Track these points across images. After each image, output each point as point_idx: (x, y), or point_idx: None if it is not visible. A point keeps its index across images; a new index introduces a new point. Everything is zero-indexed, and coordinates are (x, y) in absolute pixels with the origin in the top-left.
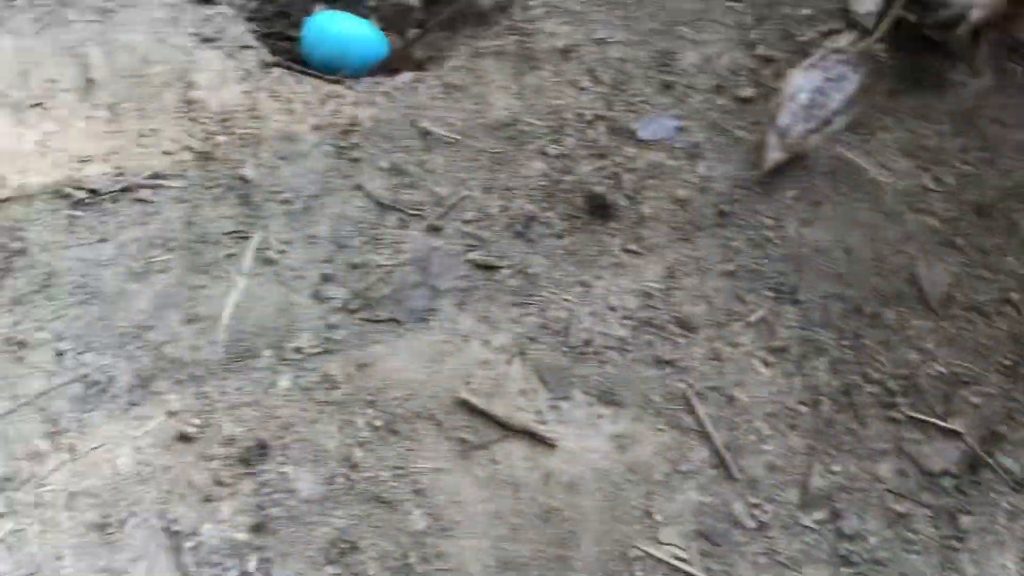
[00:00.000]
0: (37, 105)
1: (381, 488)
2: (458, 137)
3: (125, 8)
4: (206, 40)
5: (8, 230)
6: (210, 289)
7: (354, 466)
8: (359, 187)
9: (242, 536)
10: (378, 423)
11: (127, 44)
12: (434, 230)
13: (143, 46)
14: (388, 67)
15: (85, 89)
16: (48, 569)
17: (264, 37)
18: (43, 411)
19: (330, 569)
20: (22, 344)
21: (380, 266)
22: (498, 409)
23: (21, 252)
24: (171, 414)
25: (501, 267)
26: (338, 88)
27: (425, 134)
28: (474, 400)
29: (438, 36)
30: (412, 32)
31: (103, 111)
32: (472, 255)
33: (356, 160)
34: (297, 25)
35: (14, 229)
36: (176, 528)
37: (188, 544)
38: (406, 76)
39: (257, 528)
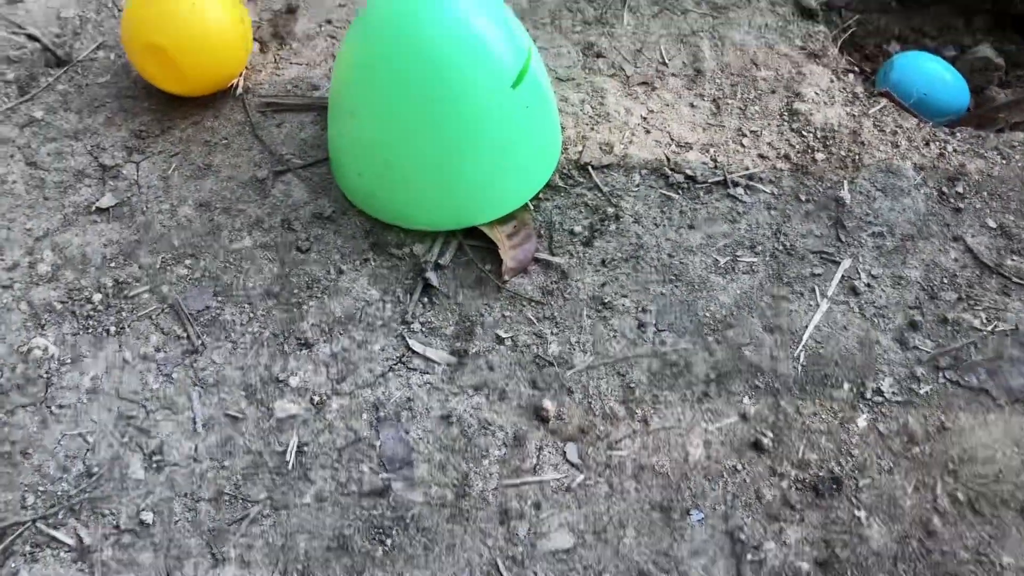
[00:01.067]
0: (646, 84)
1: (959, 568)
2: None
3: (737, 8)
4: (812, 55)
5: (607, 195)
6: (792, 303)
7: (930, 534)
8: (958, 239)
9: (805, 566)
10: (959, 496)
11: (737, 43)
12: None
13: (752, 48)
14: (968, 122)
15: (692, 78)
16: (611, 532)
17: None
18: (622, 376)
19: None
20: (607, 306)
21: (975, 329)
22: None
23: (615, 218)
24: (744, 418)
25: None
26: (937, 132)
27: None
28: None
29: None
30: (997, 91)
31: (707, 102)
32: None
33: (959, 210)
34: (872, 58)
35: (612, 194)
36: (740, 536)
37: (750, 557)
38: (1019, 135)
39: (823, 564)
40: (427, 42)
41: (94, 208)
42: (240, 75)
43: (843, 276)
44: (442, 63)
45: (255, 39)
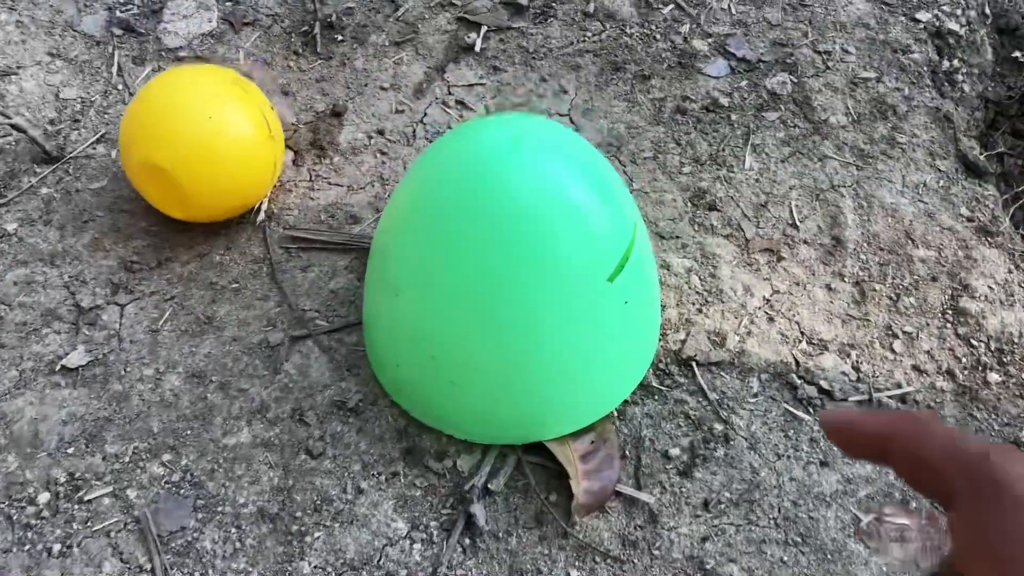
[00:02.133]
0: (770, 252)
1: None
2: None
3: (887, 158)
4: (983, 231)
5: (715, 404)
6: None
7: None
8: None
9: None
10: None
11: (887, 207)
12: None
13: (906, 216)
14: None
15: (830, 249)
16: None
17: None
18: None
19: None
20: (707, 574)
21: None
22: None
23: (724, 439)
24: None
25: None
26: None
27: None
28: None
29: None
30: None
31: (848, 285)
32: None
33: None
34: None
35: (722, 404)
36: None
37: None
38: None
39: None
40: (511, 206)
41: (59, 367)
42: (264, 197)
43: None
44: (526, 236)
45: (289, 147)
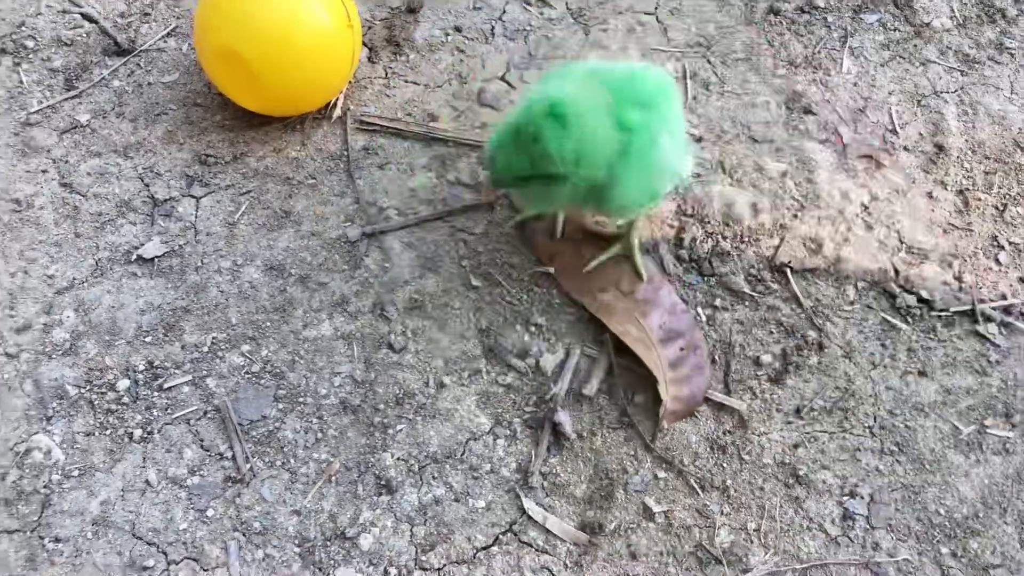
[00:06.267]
0: (870, 158)
1: None
2: None
3: (995, 63)
4: None
5: (809, 312)
6: None
7: None
8: None
9: None
10: None
11: (994, 114)
12: None
13: (1015, 123)
14: None
15: (932, 156)
16: None
17: None
18: None
19: None
20: (800, 480)
21: None
22: None
23: (818, 346)
24: None
25: None
26: None
27: None
28: None
29: None
30: None
31: (950, 194)
32: None
33: None
34: None
35: (816, 312)
36: None
37: None
38: None
39: None
40: None
41: (135, 256)
42: (341, 92)
43: None
44: None
45: (364, 44)
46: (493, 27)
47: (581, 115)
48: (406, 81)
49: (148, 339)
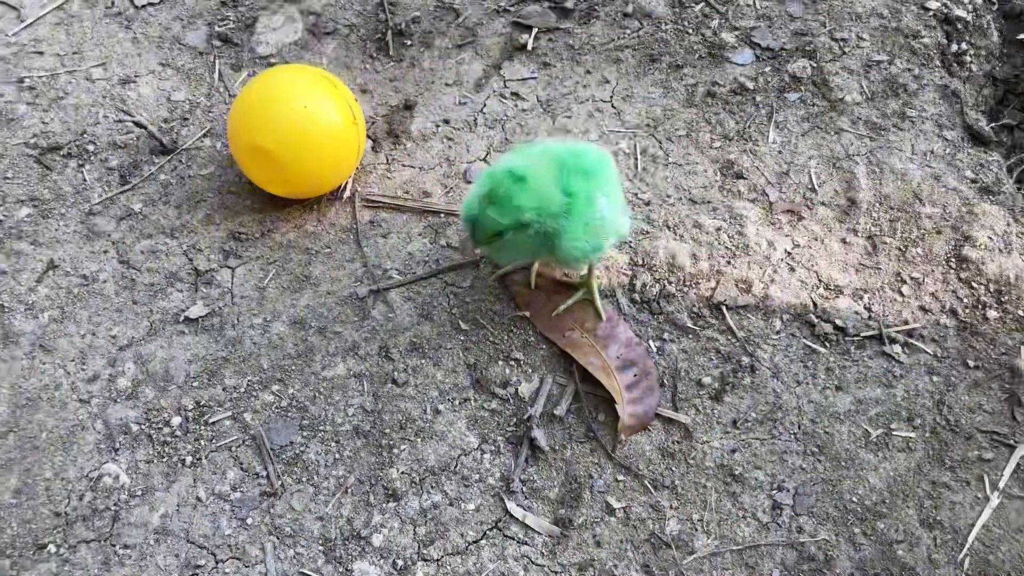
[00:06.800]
0: (792, 213)
1: None
2: None
3: (898, 130)
4: (985, 191)
5: (743, 341)
6: (955, 493)
7: None
8: None
9: None
10: None
11: (897, 172)
12: None
13: (915, 179)
14: None
15: (845, 209)
16: None
17: None
18: (751, 569)
19: None
20: (736, 478)
21: None
22: None
23: (751, 369)
24: None
25: None
26: None
27: None
28: None
29: None
30: None
31: (861, 239)
32: None
33: None
34: None
35: (748, 341)
36: None
37: None
38: None
39: None
40: None
41: (183, 317)
42: (350, 177)
43: (1019, 464)
44: None
45: (368, 136)
46: (476, 118)
47: (536, 177)
48: (404, 165)
49: (195, 384)
